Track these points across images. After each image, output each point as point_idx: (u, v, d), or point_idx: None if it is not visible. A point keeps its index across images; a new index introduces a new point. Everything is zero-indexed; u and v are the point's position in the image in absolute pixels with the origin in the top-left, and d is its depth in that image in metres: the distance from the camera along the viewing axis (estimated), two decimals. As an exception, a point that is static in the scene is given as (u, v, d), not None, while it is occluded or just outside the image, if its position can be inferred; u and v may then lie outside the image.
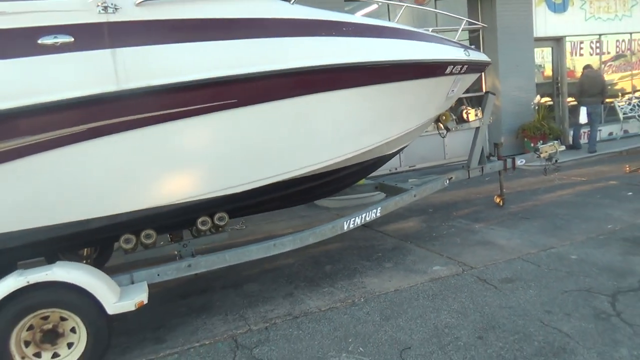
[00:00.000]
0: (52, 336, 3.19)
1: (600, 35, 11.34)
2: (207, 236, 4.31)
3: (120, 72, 3.11)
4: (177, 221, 3.90)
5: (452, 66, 5.00)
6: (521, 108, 10.00)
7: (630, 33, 11.75)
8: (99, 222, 3.35)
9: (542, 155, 6.47)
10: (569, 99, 11.07)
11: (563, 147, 6.71)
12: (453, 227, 6.02)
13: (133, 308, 3.30)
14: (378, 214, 4.85)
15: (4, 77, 2.89)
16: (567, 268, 4.38)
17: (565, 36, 10.90)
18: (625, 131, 11.69)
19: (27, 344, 3.14)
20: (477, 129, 6.13)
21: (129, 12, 3.17)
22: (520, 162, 6.41)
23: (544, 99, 10.90)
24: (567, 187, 7.62)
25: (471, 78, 5.77)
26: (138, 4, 3.20)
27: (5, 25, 2.91)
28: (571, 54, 11.10)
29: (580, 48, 11.18)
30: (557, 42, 11.00)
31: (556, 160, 6.63)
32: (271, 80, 3.58)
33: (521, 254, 4.83)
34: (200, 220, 4.03)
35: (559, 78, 11.16)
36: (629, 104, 11.71)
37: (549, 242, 5.10)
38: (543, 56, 10.90)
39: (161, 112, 3.27)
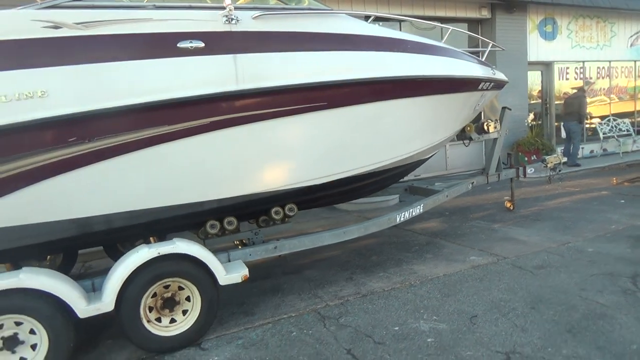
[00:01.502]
0: (170, 303, 3.62)
1: (583, 62, 12.44)
2: (274, 226, 4.80)
3: (239, 75, 3.62)
4: (261, 209, 4.37)
5: (483, 82, 5.70)
6: (516, 125, 10.86)
7: (609, 61, 12.92)
8: (210, 205, 3.82)
9: (548, 166, 7.24)
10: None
11: (565, 159, 7.49)
12: (474, 227, 6.67)
13: (240, 280, 3.77)
14: (421, 210, 5.45)
15: (149, 75, 3.37)
16: (588, 258, 5.07)
17: (554, 61, 11.94)
18: (604, 150, 12.75)
19: (150, 309, 3.56)
20: (495, 139, 6.85)
21: (248, 23, 3.71)
22: (530, 171, 7.16)
23: (530, 118, 11.84)
24: (565, 196, 8.43)
25: (493, 94, 6.49)
26: (254, 17, 3.75)
27: (151, 30, 3.40)
28: (558, 77, 12.12)
29: (567, 73, 12.24)
30: (546, 67, 12.02)
31: (560, 170, 7.40)
32: (353, 87, 4.16)
33: (544, 247, 5.51)
34: (274, 209, 4.52)
35: (547, 99, 12.16)
36: (608, 125, 12.80)
37: (565, 239, 5.80)
38: (534, 79, 11.87)
39: (268, 111, 3.79)
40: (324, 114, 4.04)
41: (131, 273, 3.38)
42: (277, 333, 3.76)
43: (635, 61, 13.45)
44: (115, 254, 5.49)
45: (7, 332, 3.14)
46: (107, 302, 3.32)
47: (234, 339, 3.71)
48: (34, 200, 3.16)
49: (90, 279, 3.63)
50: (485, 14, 10.69)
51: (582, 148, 11.84)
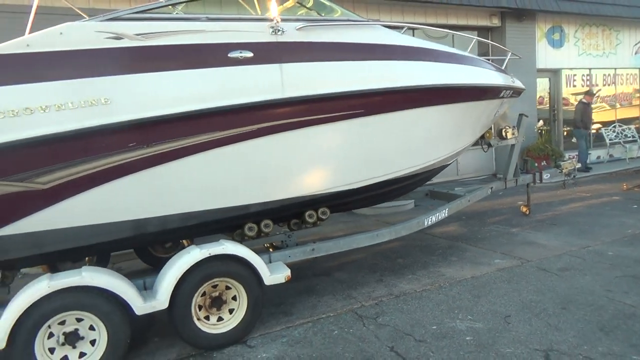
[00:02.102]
0: (218, 302, 3.77)
1: (590, 69, 12.66)
2: (305, 229, 4.94)
3: (285, 83, 3.79)
4: (298, 212, 4.53)
5: (504, 90, 5.88)
6: (526, 131, 11.04)
7: (615, 68, 13.15)
8: (255, 208, 3.98)
9: (563, 171, 7.41)
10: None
11: (579, 165, 7.67)
12: (493, 231, 6.83)
13: (283, 280, 3.92)
14: (446, 214, 5.61)
15: (203, 83, 3.53)
16: (609, 261, 5.23)
17: (561, 69, 12.16)
18: (611, 155, 12.95)
19: (199, 308, 3.71)
20: (513, 146, 7.03)
21: (292, 34, 3.89)
22: (546, 176, 7.33)
23: (539, 124, 12.04)
24: (577, 201, 8.60)
25: (511, 101, 6.68)
26: (298, 29, 3.92)
27: (204, 41, 3.57)
28: (566, 85, 12.34)
29: (574, 80, 12.45)
30: (554, 74, 12.24)
31: (574, 176, 7.58)
32: (389, 95, 4.33)
33: (565, 250, 5.67)
34: (307, 213, 4.67)
35: (555, 106, 12.37)
36: (614, 131, 13.01)
37: (584, 243, 5.96)
38: (543, 86, 12.09)
39: (311, 118, 3.96)
40: (362, 121, 4.21)
41: (184, 273, 3.52)
42: (319, 332, 3.91)
43: (639, 68, 13.68)
44: (147, 256, 5.66)
45: (68, 328, 3.28)
46: (161, 300, 3.46)
47: (278, 337, 3.85)
48: (97, 202, 3.31)
49: (141, 278, 3.78)
50: (495, 22, 10.90)
51: (589, 154, 12.00)
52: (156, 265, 5.45)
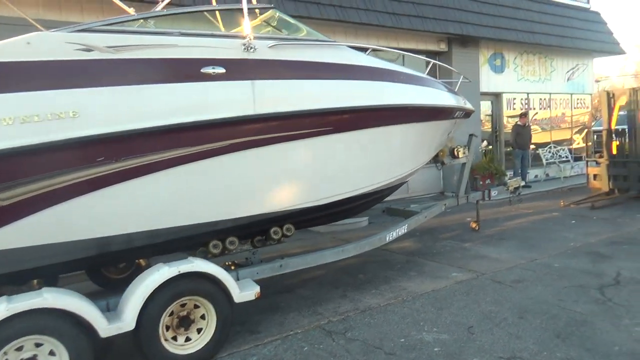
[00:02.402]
0: (186, 322, 3.67)
1: (528, 93, 13.53)
2: (269, 245, 4.93)
3: (256, 99, 3.81)
4: (264, 228, 4.51)
5: (458, 111, 6.19)
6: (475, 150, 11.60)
7: (550, 93, 14.13)
8: (224, 224, 3.93)
9: (509, 189, 7.83)
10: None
11: (523, 183, 8.14)
12: (447, 246, 7.08)
13: (253, 297, 3.89)
14: (405, 230, 5.78)
15: (174, 98, 3.49)
16: (556, 272, 5.56)
17: (502, 92, 12.91)
18: (547, 174, 13.81)
19: (167, 328, 3.59)
20: (464, 164, 7.36)
21: (264, 52, 3.93)
22: (494, 193, 7.71)
23: (483, 144, 12.67)
24: (521, 217, 9.09)
25: (462, 122, 7.02)
26: (270, 47, 3.97)
27: (177, 56, 3.54)
28: (507, 107, 13.11)
29: (514, 103, 13.25)
30: (496, 97, 12.97)
31: (519, 193, 8.03)
32: (356, 114, 4.45)
33: (515, 263, 5.97)
34: (273, 229, 4.67)
35: (497, 127, 13.08)
36: (550, 152, 13.92)
37: (532, 256, 6.31)
38: (485, 108, 12.78)
39: (281, 134, 3.99)
40: (329, 138, 4.29)
41: (152, 292, 3.41)
42: (289, 348, 3.88)
43: (571, 94, 14.76)
44: (99, 277, 5.41)
45: (26, 354, 3.08)
46: (127, 321, 3.33)
47: (247, 356, 3.79)
48: (60, 219, 3.16)
49: (104, 298, 3.61)
50: (443, 47, 11.45)
51: (528, 173, 12.72)
52: (108, 287, 5.23)
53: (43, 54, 3.06)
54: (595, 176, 10.99)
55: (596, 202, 9.78)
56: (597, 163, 10.96)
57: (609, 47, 14.87)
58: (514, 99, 13.27)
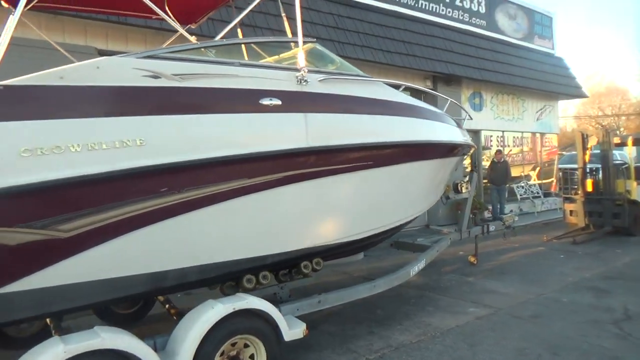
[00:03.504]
0: (235, 362, 3.49)
1: (503, 131, 14.14)
2: (297, 279, 4.81)
3: (309, 132, 3.78)
4: (296, 263, 4.40)
5: (464, 147, 6.37)
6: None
7: (522, 132, 14.83)
8: (272, 259, 3.81)
9: (506, 223, 8.06)
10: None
11: (517, 218, 8.40)
12: (452, 280, 7.14)
13: (301, 335, 3.76)
14: (424, 265, 5.80)
15: (234, 129, 3.41)
16: (567, 307, 5.71)
17: (481, 129, 13.43)
18: (521, 209, 14.31)
19: (217, 368, 3.40)
20: (466, 199, 7.53)
21: (314, 85, 3.93)
22: (492, 228, 7.90)
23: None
24: (511, 251, 9.33)
25: (462, 159, 7.22)
26: (320, 80, 3.98)
27: (237, 86, 3.48)
28: (484, 144, 13.62)
29: (490, 140, 13.80)
30: (475, 134, 13.44)
31: (514, 228, 8.27)
32: (395, 149, 4.50)
33: (525, 298, 6.09)
34: (303, 263, 4.58)
35: (476, 163, 13.51)
36: (523, 187, 14.49)
37: (537, 290, 6.45)
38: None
39: (330, 168, 3.96)
40: (371, 172, 4.30)
41: (208, 330, 3.24)
42: (338, 389, 3.75)
43: (540, 133, 15.55)
44: (106, 313, 5.09)
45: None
46: (183, 362, 3.13)
47: (297, 398, 3.64)
48: (122, 253, 2.97)
49: (151, 338, 3.38)
50: (428, 84, 11.85)
51: (504, 207, 13.14)
52: (115, 323, 4.91)
53: (112, 79, 2.94)
54: (571, 212, 11.50)
55: (577, 237, 10.20)
56: (573, 200, 11.50)
57: (573, 90, 15.85)
58: (491, 136, 13.82)
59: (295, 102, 3.76)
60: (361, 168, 4.21)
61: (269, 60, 4.58)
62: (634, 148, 11.49)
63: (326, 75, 4.04)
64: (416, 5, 11.51)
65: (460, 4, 12.66)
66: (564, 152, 19.14)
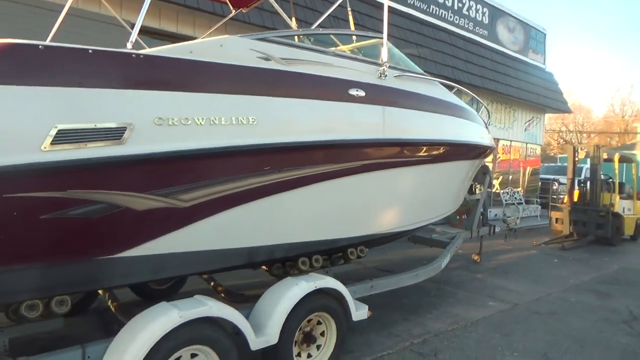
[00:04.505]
0: (309, 338, 3.66)
1: (497, 139, 14.68)
2: (338, 265, 5.00)
3: (386, 125, 3.97)
4: (348, 250, 4.59)
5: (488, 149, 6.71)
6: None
7: (511, 140, 15.43)
8: (341, 242, 4.00)
9: (509, 226, 8.48)
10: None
11: (519, 221, 8.83)
12: (461, 276, 7.48)
13: (366, 317, 3.96)
14: (449, 258, 6.09)
15: (327, 115, 3.56)
16: (577, 306, 6.12)
17: (476, 135, 13.91)
18: (504, 214, 14.90)
19: (294, 343, 3.55)
20: (478, 200, 7.88)
21: (391, 80, 4.11)
22: (498, 229, 8.29)
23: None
24: (506, 252, 9.78)
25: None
26: (395, 76, 4.16)
27: (332, 74, 3.63)
28: (477, 149, 14.12)
29: (483, 146, 14.31)
30: (470, 139, 13.95)
31: (515, 230, 8.69)
32: (451, 147, 4.74)
33: (537, 296, 6.47)
34: (349, 250, 4.77)
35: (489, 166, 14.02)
36: (507, 193, 15.09)
37: (544, 290, 6.86)
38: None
39: (399, 160, 4.17)
40: (431, 167, 4.53)
41: (294, 306, 3.39)
42: (395, 368, 3.98)
43: (526, 143, 16.21)
44: (140, 286, 5.12)
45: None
46: (273, 334, 3.28)
47: (359, 375, 3.83)
48: (227, 225, 3.09)
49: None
50: (432, 87, 12.19)
51: (490, 212, 13.71)
52: (147, 297, 4.97)
53: (232, 58, 3.04)
54: (557, 219, 12.10)
55: (565, 244, 10.78)
56: (559, 208, 12.11)
57: (560, 104, 16.60)
58: (484, 142, 14.33)
59: (376, 94, 3.93)
60: (423, 162, 4.43)
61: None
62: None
63: (401, 72, 4.24)
64: (428, 9, 11.82)
65: (466, 13, 13.07)
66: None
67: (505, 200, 14.83)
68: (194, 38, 7.01)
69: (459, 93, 5.34)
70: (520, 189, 15.93)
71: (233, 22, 6.15)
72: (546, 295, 6.57)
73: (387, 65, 4.00)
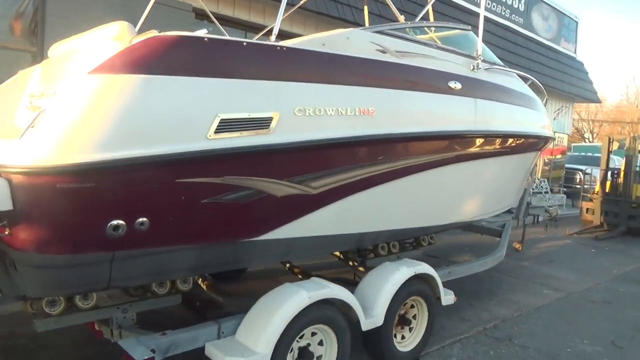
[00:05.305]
0: (404, 321, 3.82)
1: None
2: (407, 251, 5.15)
3: (477, 117, 4.07)
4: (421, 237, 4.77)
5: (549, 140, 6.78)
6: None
7: (540, 130, 15.45)
8: (433, 230, 4.15)
9: (551, 215, 8.60)
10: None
11: (560, 211, 8.94)
12: (508, 264, 7.60)
13: (452, 302, 4.12)
14: (507, 245, 6.24)
15: (431, 107, 3.67)
16: (629, 296, 6.27)
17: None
18: (530, 203, 15.00)
19: (392, 325, 3.73)
20: (525, 189, 7.98)
21: (481, 73, 4.20)
22: (541, 219, 8.41)
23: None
24: (543, 241, 9.90)
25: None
26: (485, 69, 4.25)
27: (436, 67, 3.73)
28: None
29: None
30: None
31: (556, 220, 8.82)
32: (525, 140, 4.84)
33: (587, 286, 6.62)
34: (421, 237, 4.94)
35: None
36: (535, 183, 15.17)
37: (592, 279, 7.00)
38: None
39: (484, 150, 4.28)
40: (510, 158, 4.64)
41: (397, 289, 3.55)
42: (477, 351, 4.15)
43: (555, 132, 16.19)
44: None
45: (303, 343, 3.11)
46: (379, 316, 3.44)
47: (443, 357, 4.01)
48: (347, 212, 3.23)
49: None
50: (468, 75, 12.19)
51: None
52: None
53: (356, 50, 3.14)
54: (587, 210, 12.20)
55: (598, 234, 10.90)
56: (590, 199, 12.21)
57: (589, 94, 16.54)
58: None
59: (470, 87, 4.03)
60: (504, 154, 4.55)
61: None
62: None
63: (489, 65, 4.32)
64: (469, -3, 11.76)
65: (503, 0, 12.98)
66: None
67: (532, 189, 14.91)
68: (260, 24, 7.09)
69: (532, 85, 5.41)
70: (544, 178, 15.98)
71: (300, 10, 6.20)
72: (595, 285, 6.72)
73: (482, 59, 4.08)
